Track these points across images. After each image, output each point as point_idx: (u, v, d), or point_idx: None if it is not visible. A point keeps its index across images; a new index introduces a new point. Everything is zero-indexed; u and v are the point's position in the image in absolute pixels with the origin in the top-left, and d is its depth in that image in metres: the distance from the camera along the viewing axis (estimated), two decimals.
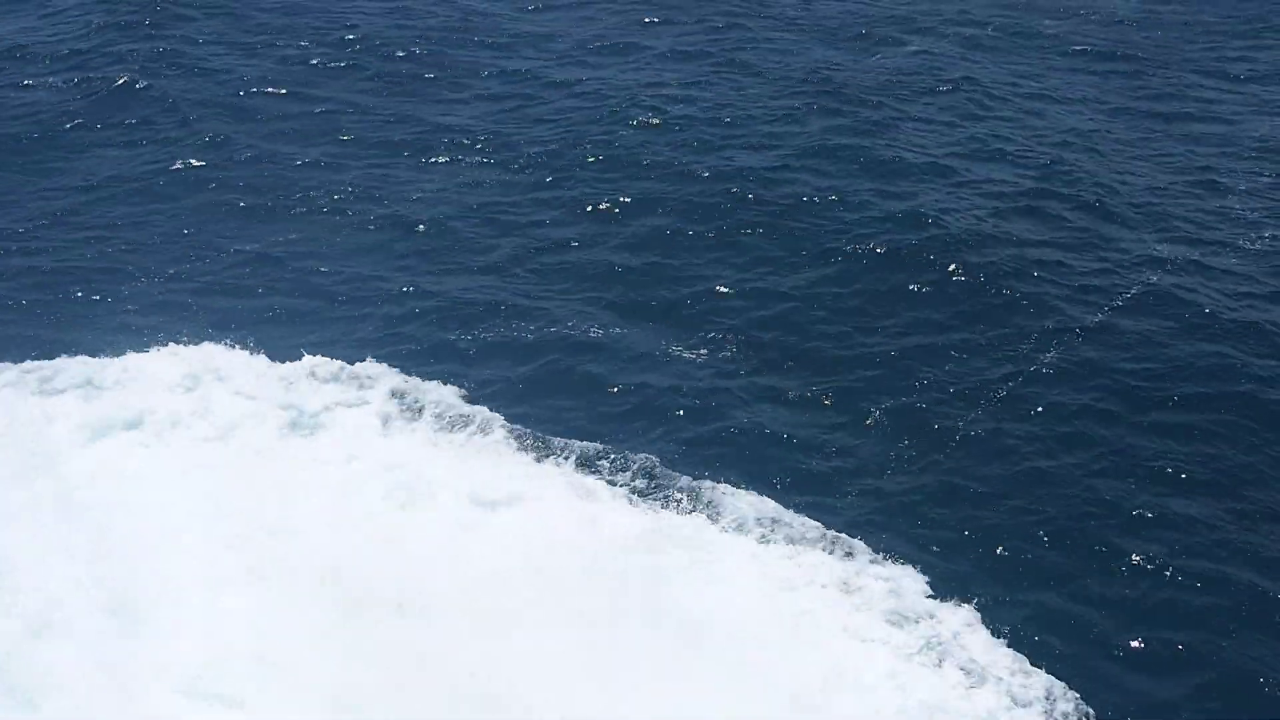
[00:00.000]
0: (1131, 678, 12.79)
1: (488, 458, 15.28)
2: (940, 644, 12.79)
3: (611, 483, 14.98)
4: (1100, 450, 15.86)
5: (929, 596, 13.37)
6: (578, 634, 12.62)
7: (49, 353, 16.85)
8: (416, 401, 16.27)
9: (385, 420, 15.91)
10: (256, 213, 21.40)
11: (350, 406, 16.17)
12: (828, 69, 27.84)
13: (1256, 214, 22.13)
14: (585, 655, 12.37)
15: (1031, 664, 12.66)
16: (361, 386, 16.54)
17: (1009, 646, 12.86)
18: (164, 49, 27.65)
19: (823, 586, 13.43)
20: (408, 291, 19.09)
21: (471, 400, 16.42)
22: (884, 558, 13.92)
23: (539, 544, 13.85)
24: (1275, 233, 21.41)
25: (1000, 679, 12.42)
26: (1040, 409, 16.58)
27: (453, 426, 15.85)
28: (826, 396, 16.89)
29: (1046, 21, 32.46)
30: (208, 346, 17.12)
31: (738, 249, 20.40)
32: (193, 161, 22.93)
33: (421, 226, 21.01)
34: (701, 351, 17.80)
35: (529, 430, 15.86)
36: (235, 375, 16.57)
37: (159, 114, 24.93)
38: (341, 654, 12.24)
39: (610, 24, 31.29)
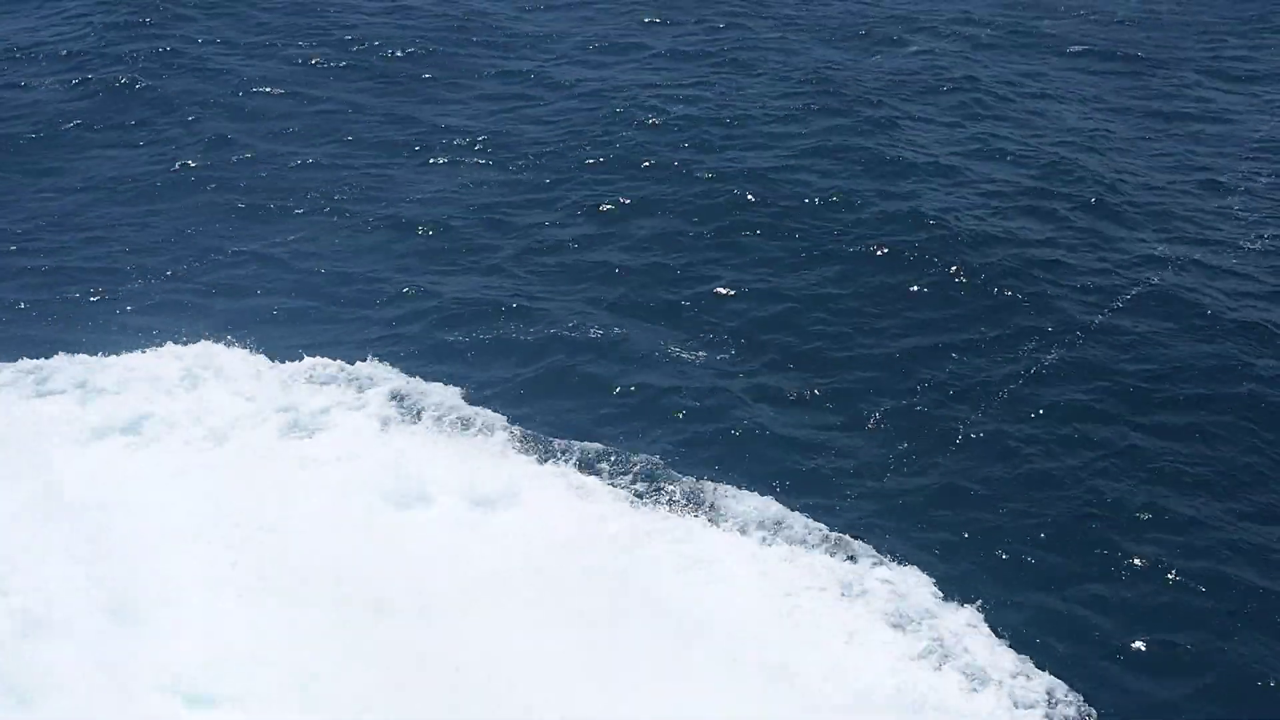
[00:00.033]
0: (1133, 679, 12.77)
1: (488, 458, 15.27)
2: (941, 645, 12.77)
3: (612, 483, 14.96)
4: (1102, 451, 15.84)
5: (930, 598, 13.34)
6: (578, 634, 12.60)
7: (48, 353, 16.83)
8: (416, 402, 16.25)
9: (385, 421, 15.90)
10: (256, 213, 21.38)
11: (350, 407, 16.16)
12: (828, 69, 27.82)
13: (1257, 214, 22.12)
14: (585, 655, 12.36)
15: (1033, 665, 12.63)
16: (361, 387, 16.53)
17: (1010, 648, 12.83)
18: (164, 49, 27.64)
19: (823, 587, 13.41)
20: (408, 292, 19.07)
21: (471, 401, 16.41)
22: (885, 559, 13.89)
23: (539, 544, 13.84)
24: (1276, 232, 21.39)
25: (1002, 680, 12.40)
26: (1041, 409, 16.57)
27: (453, 427, 15.84)
28: (827, 397, 16.88)
29: (1046, 21, 32.44)
30: (207, 346, 17.11)
31: (738, 249, 20.38)
32: (192, 161, 22.93)
33: (421, 227, 20.99)
34: (702, 352, 17.79)
35: (529, 431, 15.85)
36: (235, 375, 16.56)
37: (159, 114, 24.93)
38: (341, 654, 12.23)
39: (610, 24, 31.27)
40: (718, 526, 14.36)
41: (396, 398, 16.32)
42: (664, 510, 14.61)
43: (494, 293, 19.07)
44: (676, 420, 16.32)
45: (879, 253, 20.10)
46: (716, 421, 16.24)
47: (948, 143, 24.37)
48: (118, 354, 16.85)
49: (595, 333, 17.94)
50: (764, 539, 14.12)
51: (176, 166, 22.80)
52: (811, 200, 21.66)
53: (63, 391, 16.03)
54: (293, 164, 23.11)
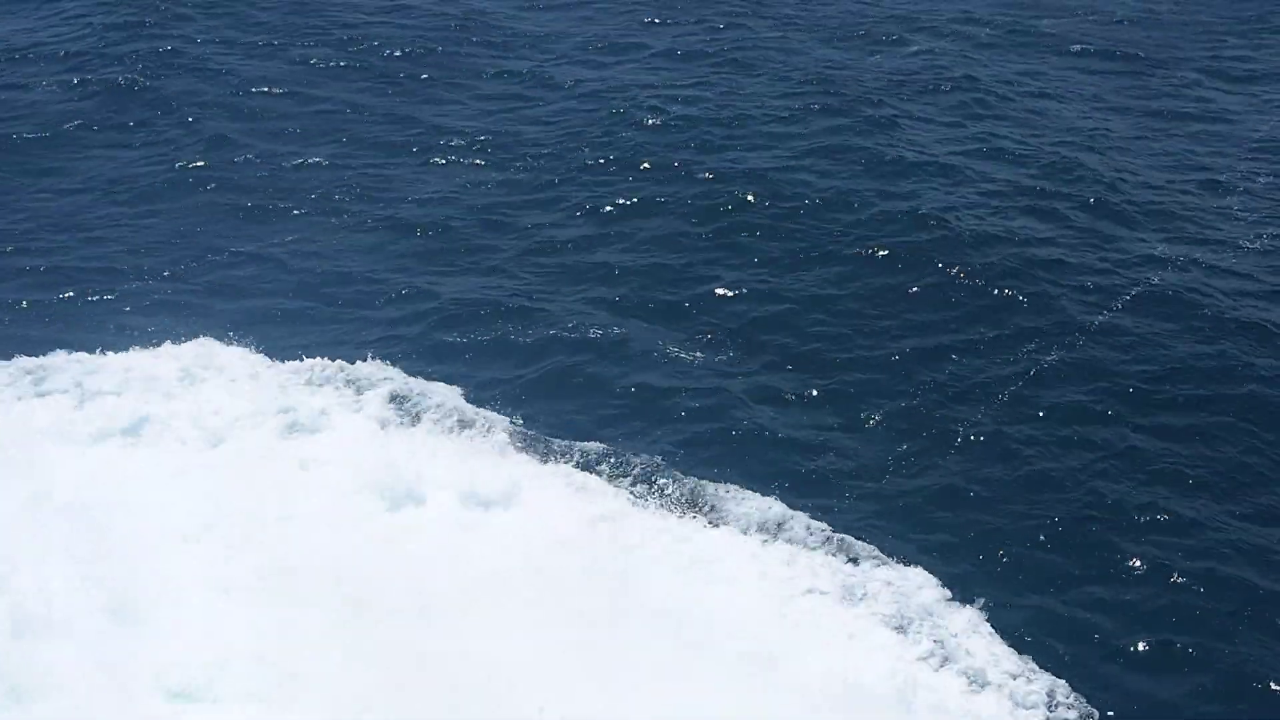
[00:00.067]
0: (1134, 679, 12.77)
1: (488, 458, 15.27)
2: (942, 646, 12.77)
3: (612, 483, 14.97)
4: (1102, 452, 15.83)
5: (931, 599, 13.34)
6: (578, 634, 12.60)
7: (46, 353, 16.80)
8: (416, 403, 16.25)
9: (384, 421, 15.90)
10: (255, 213, 21.37)
11: (349, 407, 16.16)
12: (828, 69, 27.81)
13: (1256, 214, 22.12)
14: (585, 655, 12.35)
15: (1034, 666, 12.63)
16: (361, 388, 16.53)
17: (1011, 649, 12.83)
18: (164, 49, 27.61)
19: (823, 588, 13.42)
20: (407, 292, 19.07)
21: (471, 401, 16.41)
22: (885, 560, 13.89)
23: (539, 544, 13.84)
24: (1275, 231, 21.38)
25: (1002, 681, 12.40)
26: (1042, 410, 16.55)
27: (453, 427, 15.84)
28: (827, 398, 16.87)
29: (1046, 21, 32.42)
30: (207, 347, 17.12)
31: (738, 250, 20.37)
32: (191, 162, 22.92)
33: (421, 227, 20.98)
34: (702, 352, 17.78)
35: (529, 431, 15.86)
36: (234, 376, 16.57)
37: (158, 114, 24.91)
38: (341, 654, 12.22)
39: (610, 24, 31.26)
40: (718, 527, 14.37)
41: (396, 398, 16.32)
42: (664, 510, 14.61)
43: (494, 293, 19.06)
44: (677, 421, 16.31)
45: (879, 253, 20.09)
46: (716, 422, 16.23)
47: (948, 142, 24.37)
48: (116, 354, 16.84)
49: (595, 333, 17.93)
50: (764, 539, 14.13)
51: (175, 166, 22.79)
52: (811, 200, 21.65)
53: (62, 391, 16.02)
54: (292, 164, 23.09)
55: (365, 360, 17.06)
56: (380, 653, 12.23)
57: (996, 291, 19.11)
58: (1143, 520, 14.71)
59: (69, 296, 18.62)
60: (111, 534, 13.44)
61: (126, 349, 17.01)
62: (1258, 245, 20.92)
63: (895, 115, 25.11)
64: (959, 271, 19.56)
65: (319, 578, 13.15)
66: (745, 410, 16.50)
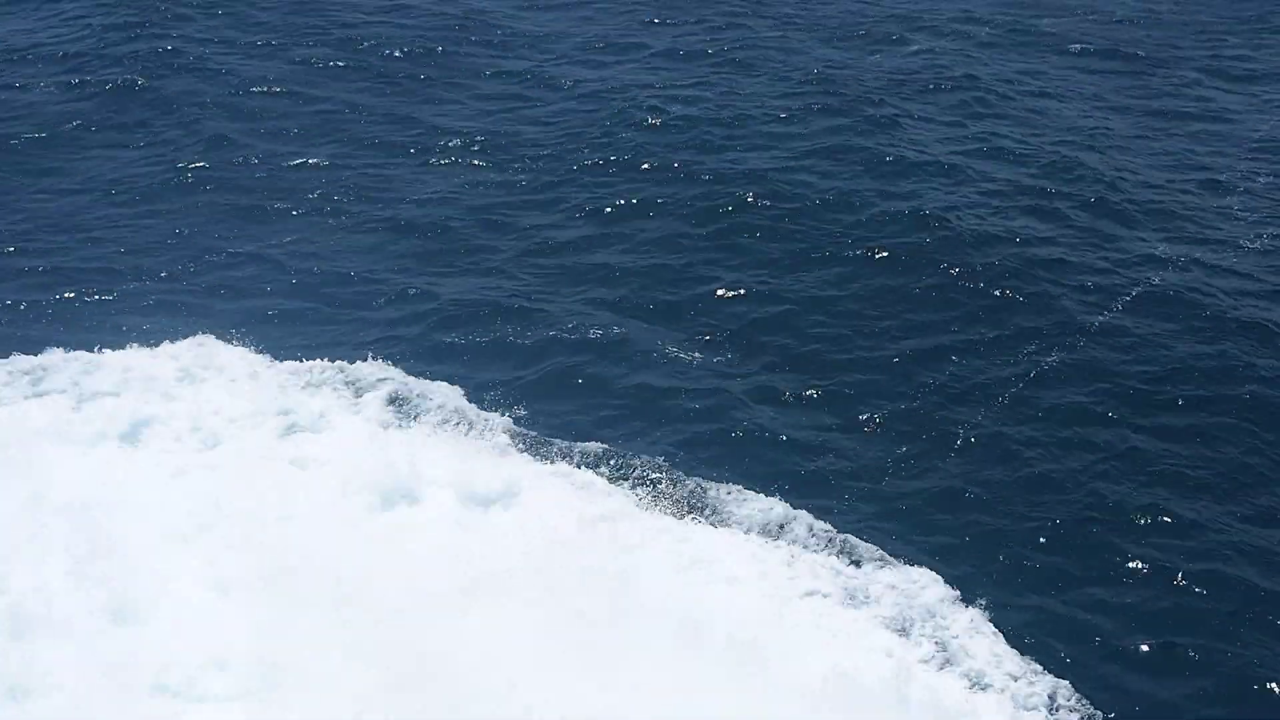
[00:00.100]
0: (1136, 681, 12.75)
1: (488, 458, 15.27)
2: (944, 648, 12.76)
3: (612, 484, 14.97)
4: (1102, 454, 15.81)
5: (932, 600, 13.31)
6: (578, 634, 12.58)
7: (46, 353, 16.78)
8: (416, 403, 16.24)
9: (384, 421, 15.89)
10: (255, 213, 21.35)
11: (349, 408, 16.15)
12: (828, 68, 27.80)
13: (1256, 213, 22.11)
14: (585, 655, 12.33)
15: (1035, 667, 12.62)
16: (360, 388, 16.52)
17: (1013, 650, 12.81)
18: (164, 49, 27.60)
19: (824, 589, 13.41)
20: (407, 293, 19.05)
21: (471, 401, 16.39)
22: (886, 561, 13.87)
23: (539, 544, 13.83)
24: (1275, 231, 21.37)
25: (1004, 683, 12.39)
26: (1043, 411, 16.53)
27: (453, 428, 15.83)
28: (827, 399, 16.85)
29: (1046, 20, 32.42)
30: (206, 347, 17.10)
31: (738, 250, 20.36)
32: (191, 162, 22.90)
33: (421, 228, 20.97)
34: (702, 353, 17.76)
35: (529, 431, 15.85)
36: (233, 376, 16.56)
37: (158, 114, 24.89)
38: (341, 654, 12.21)
39: (610, 24, 31.25)
40: (718, 527, 14.36)
41: (396, 399, 16.31)
42: (664, 511, 14.61)
43: (493, 293, 19.04)
44: (677, 421, 16.30)
45: (879, 253, 20.07)
46: (717, 422, 16.22)
47: (948, 142, 24.35)
48: (115, 354, 16.82)
49: (595, 334, 17.91)
50: (765, 540, 14.12)
51: (174, 167, 22.77)
52: (812, 201, 21.63)
53: (60, 391, 16.00)
54: (291, 164, 23.08)
55: (365, 361, 17.05)
56: (380, 652, 12.22)
57: (997, 292, 19.09)
58: (1144, 521, 14.69)
59: (68, 297, 18.61)
60: (110, 534, 13.42)
61: (125, 349, 16.99)
62: (1258, 245, 20.91)
63: (895, 115, 25.10)
64: (959, 272, 19.55)
65: (318, 578, 13.13)
66: (745, 411, 16.48)
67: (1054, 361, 17.46)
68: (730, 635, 12.61)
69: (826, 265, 19.92)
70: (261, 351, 17.18)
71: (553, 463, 15.27)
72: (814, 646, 12.65)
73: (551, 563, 13.54)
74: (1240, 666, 12.85)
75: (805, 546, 14.04)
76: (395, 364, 17.05)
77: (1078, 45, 30.47)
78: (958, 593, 13.43)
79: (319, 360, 17.03)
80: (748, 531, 14.25)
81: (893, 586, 13.46)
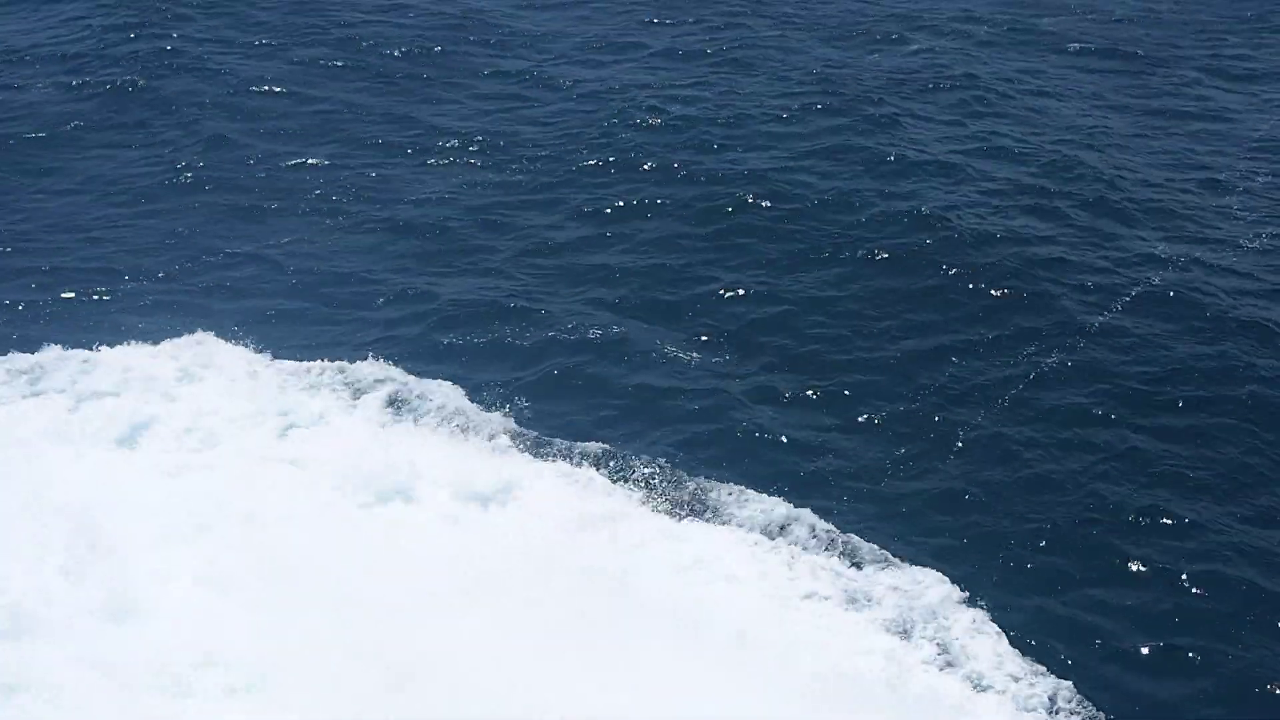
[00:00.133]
0: (1137, 682, 12.73)
1: (487, 458, 15.26)
2: (945, 648, 12.73)
3: (612, 484, 14.96)
4: (1103, 454, 15.78)
5: (933, 601, 13.28)
6: (578, 634, 12.57)
7: (44, 353, 16.75)
8: (415, 403, 16.23)
9: (383, 421, 15.88)
10: (254, 213, 21.34)
11: (348, 408, 16.15)
12: (828, 68, 27.78)
13: (1257, 213, 22.09)
14: (585, 655, 12.32)
15: (1036, 669, 12.60)
16: (359, 388, 16.51)
17: (1014, 651, 12.79)
18: (164, 49, 27.58)
19: (825, 590, 13.39)
20: (407, 293, 19.03)
21: (471, 401, 16.37)
22: (886, 562, 13.85)
23: (538, 544, 13.82)
24: (1275, 231, 21.35)
25: (1005, 684, 12.37)
26: (1043, 412, 16.51)
27: (452, 428, 15.81)
28: (827, 399, 16.83)
29: (1046, 19, 32.41)
30: (205, 347, 17.10)
31: (738, 250, 20.34)
32: (190, 162, 22.87)
33: (420, 227, 20.95)
34: (702, 354, 17.74)
35: (529, 431, 15.83)
36: (232, 376, 16.54)
37: (157, 114, 24.88)
38: (341, 653, 12.20)
39: (609, 23, 31.23)
40: (718, 527, 14.34)
41: (395, 399, 16.30)
42: (664, 511, 14.60)
43: (493, 294, 19.03)
44: (676, 421, 16.28)
45: (879, 254, 20.06)
46: (716, 423, 16.20)
47: (948, 141, 24.34)
48: (114, 354, 16.80)
49: (595, 334, 17.90)
50: (765, 540, 14.10)
51: (173, 167, 22.75)
52: (811, 201, 21.62)
53: (59, 391, 15.99)
54: (291, 164, 23.07)
55: (364, 360, 17.04)
56: (379, 652, 12.20)
57: (997, 292, 19.07)
58: (1144, 522, 14.67)
59: (67, 296, 18.59)
60: (109, 533, 13.39)
61: (124, 349, 16.98)
62: (1257, 244, 20.90)
63: (895, 114, 25.08)
64: (959, 272, 19.53)
65: (318, 577, 13.13)
66: (745, 411, 16.46)
67: (1054, 362, 17.45)
68: (730, 635, 12.61)
69: (826, 265, 19.91)
70: (261, 351, 17.17)
71: (552, 462, 15.25)
72: (814, 647, 12.63)
73: (551, 563, 13.53)
74: (1241, 667, 12.83)
75: (805, 547, 14.02)
76: (394, 364, 17.03)
77: (1077, 44, 30.46)
78: (959, 594, 13.40)
79: (318, 360, 17.02)
80: (748, 532, 14.23)
81: (893, 587, 13.44)
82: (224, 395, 16.08)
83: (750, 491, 14.88)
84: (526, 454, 15.41)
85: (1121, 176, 23.00)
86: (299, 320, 18.34)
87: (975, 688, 12.32)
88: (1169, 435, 16.18)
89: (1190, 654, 12.98)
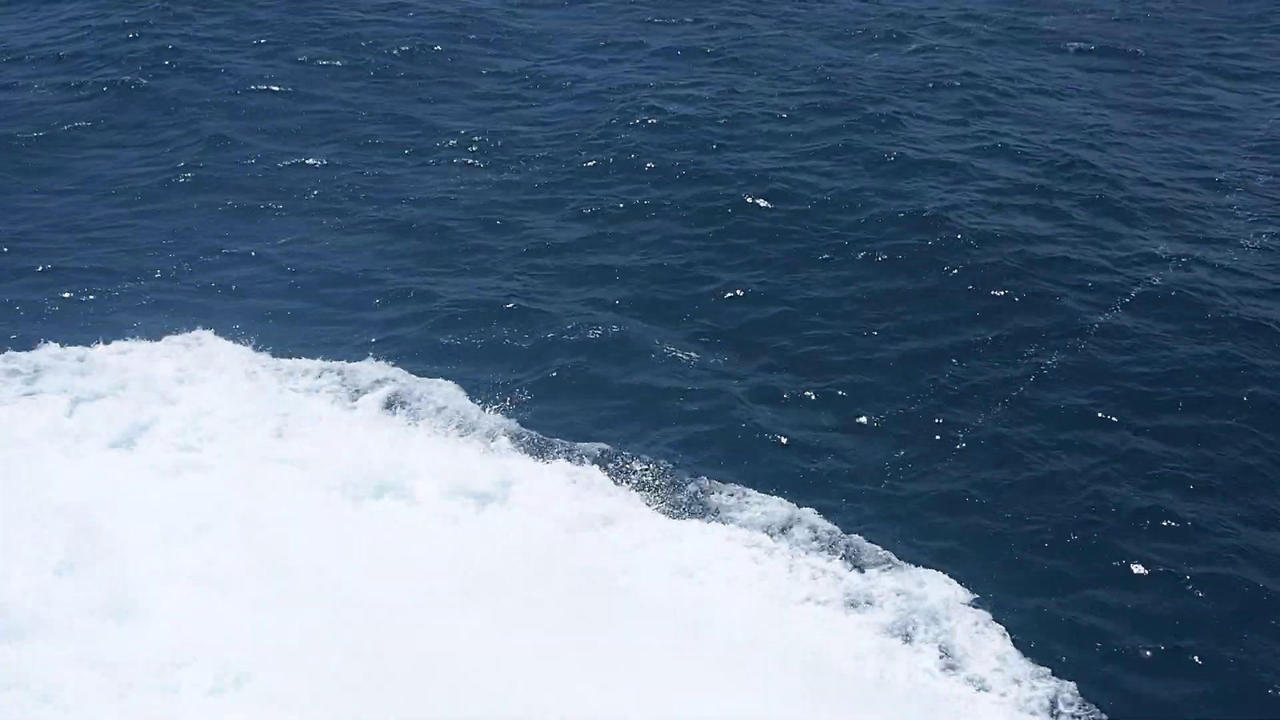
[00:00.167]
0: (1139, 683, 12.71)
1: (487, 459, 15.26)
2: (946, 650, 12.71)
3: (612, 484, 14.95)
4: (1104, 456, 15.77)
5: (933, 602, 13.26)
6: (578, 634, 12.57)
7: (42, 353, 16.72)
8: (415, 403, 16.22)
9: (384, 421, 15.86)
10: (254, 213, 21.32)
11: (348, 408, 16.14)
12: (827, 67, 27.77)
13: (1258, 212, 22.08)
14: (585, 655, 12.32)
15: (1038, 670, 12.58)
16: (359, 388, 16.50)
17: (1015, 652, 12.77)
18: (164, 49, 27.56)
19: (825, 590, 13.39)
20: (407, 293, 19.02)
21: (471, 401, 16.36)
22: (888, 563, 13.83)
23: (538, 544, 13.82)
24: (1276, 230, 21.34)
25: (1007, 685, 12.36)
26: (1045, 413, 16.49)
27: (452, 428, 15.81)
28: (828, 400, 16.81)
29: (1046, 18, 32.41)
30: (204, 346, 17.09)
31: (738, 250, 20.33)
32: (190, 161, 22.85)
33: (420, 227, 20.93)
34: (702, 354, 17.72)
35: (529, 431, 15.82)
36: (232, 376, 16.51)
37: (156, 114, 24.86)
38: (341, 653, 12.19)
39: (609, 23, 31.22)
40: (717, 528, 14.33)
41: (395, 399, 16.29)
42: (664, 511, 14.59)
43: (493, 294, 19.01)
44: (677, 422, 16.27)
45: (880, 253, 20.04)
46: (716, 423, 16.19)
47: (949, 140, 24.33)
48: (113, 354, 16.78)
49: (595, 334, 17.88)
50: (765, 541, 14.09)
51: (173, 167, 22.73)
52: (812, 200, 21.61)
53: (59, 391, 15.96)
54: (290, 164, 23.05)
55: (363, 361, 17.02)
56: (380, 652, 12.20)
57: (998, 292, 19.06)
58: (1146, 524, 14.65)
59: (66, 296, 18.57)
60: (109, 534, 13.38)
61: (124, 349, 16.96)
62: (1258, 244, 20.89)
63: (895, 113, 25.07)
64: (960, 272, 19.52)
65: (318, 577, 13.13)
66: (745, 412, 16.45)
67: (1055, 362, 17.43)
68: (730, 636, 12.61)
69: (826, 265, 19.90)
70: (260, 351, 17.16)
71: (552, 463, 15.25)
72: (814, 648, 12.63)
73: (551, 563, 13.53)
74: (1243, 669, 12.81)
75: (806, 548, 14.01)
76: (394, 364, 17.02)
77: (1077, 43, 30.46)
78: (960, 595, 13.39)
79: (318, 360, 17.01)
80: (748, 532, 14.21)
81: (894, 589, 13.42)
82: (224, 395, 16.06)
83: (750, 492, 14.87)
84: (526, 454, 15.40)
85: (1123, 175, 22.99)
86: (299, 320, 18.33)
87: (977, 689, 12.31)
88: (1170, 436, 16.17)
89: (1192, 655, 12.97)
